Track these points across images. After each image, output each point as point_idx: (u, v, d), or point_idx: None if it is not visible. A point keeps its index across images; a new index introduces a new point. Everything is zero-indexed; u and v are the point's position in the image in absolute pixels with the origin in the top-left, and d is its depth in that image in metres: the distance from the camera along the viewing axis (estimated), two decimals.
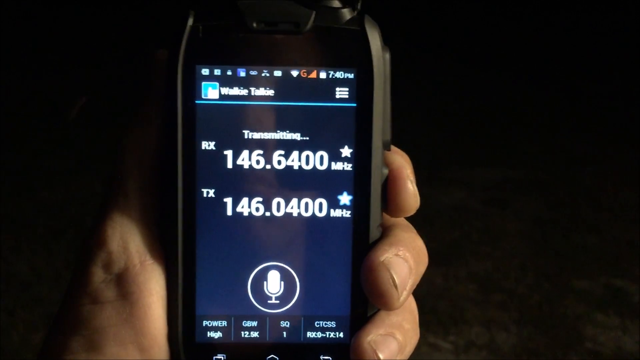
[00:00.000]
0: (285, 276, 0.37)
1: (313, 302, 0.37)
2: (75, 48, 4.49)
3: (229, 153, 0.36)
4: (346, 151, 0.36)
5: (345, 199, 0.37)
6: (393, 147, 0.37)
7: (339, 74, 0.36)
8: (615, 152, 3.20)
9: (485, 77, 4.18)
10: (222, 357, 0.37)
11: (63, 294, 0.37)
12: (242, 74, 0.36)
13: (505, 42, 4.81)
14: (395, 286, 0.35)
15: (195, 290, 0.36)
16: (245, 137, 0.36)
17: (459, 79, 4.17)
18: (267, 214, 0.37)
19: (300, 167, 0.36)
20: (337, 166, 0.36)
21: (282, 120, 0.36)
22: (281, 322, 0.37)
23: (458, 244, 2.38)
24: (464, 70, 4.31)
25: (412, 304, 0.38)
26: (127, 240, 0.35)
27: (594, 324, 2.03)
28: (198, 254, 0.36)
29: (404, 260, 0.36)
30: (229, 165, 0.36)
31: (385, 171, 0.37)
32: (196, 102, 0.36)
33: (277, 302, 0.37)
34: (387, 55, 0.36)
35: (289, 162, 0.36)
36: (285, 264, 0.37)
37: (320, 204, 0.37)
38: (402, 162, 0.37)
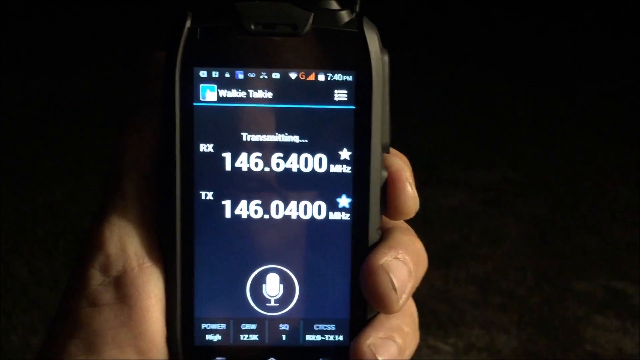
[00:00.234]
0: (284, 279, 0.37)
1: (312, 305, 0.37)
2: (75, 50, 4.49)
3: (227, 155, 0.36)
4: (345, 154, 0.36)
5: (344, 201, 0.37)
6: (392, 150, 0.37)
7: (337, 77, 0.36)
8: (616, 153, 3.20)
9: (485, 78, 4.19)
10: None
11: (59, 301, 0.37)
12: (240, 76, 0.36)
13: (505, 43, 4.81)
14: (395, 289, 0.35)
15: (193, 292, 0.36)
16: (244, 139, 0.36)
17: (458, 79, 4.17)
18: (266, 216, 0.36)
19: (298, 169, 0.36)
20: (336, 169, 0.36)
21: (281, 123, 0.36)
22: (280, 325, 0.37)
23: (457, 246, 2.38)
24: (463, 71, 4.31)
25: (411, 307, 0.38)
26: (125, 243, 0.35)
27: (594, 326, 2.03)
28: (196, 257, 0.36)
29: (403, 263, 0.36)
30: (227, 167, 0.36)
31: (385, 174, 0.37)
32: (194, 104, 0.36)
33: (276, 305, 0.37)
34: (386, 58, 0.36)
35: (288, 165, 0.36)
36: (284, 267, 0.37)
37: (319, 207, 0.37)
38: (401, 165, 0.37)
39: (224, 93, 0.36)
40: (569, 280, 2.23)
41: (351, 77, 0.36)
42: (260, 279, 0.37)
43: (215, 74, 0.36)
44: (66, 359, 0.35)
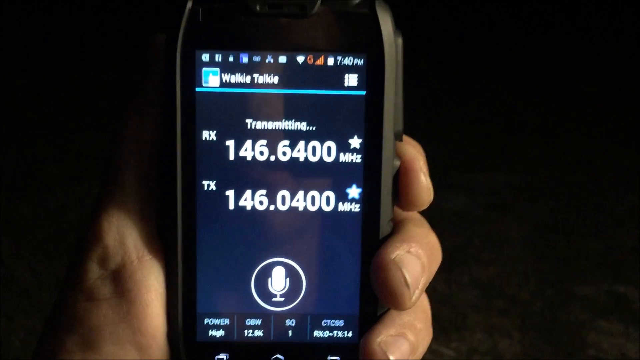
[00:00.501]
0: (290, 273, 0.35)
1: (320, 300, 0.36)
2: (79, 52, 4.48)
3: (231, 144, 0.34)
4: (355, 142, 0.35)
5: (354, 192, 0.35)
6: (405, 137, 0.36)
7: (347, 60, 0.34)
8: (619, 157, 3.19)
9: (488, 82, 4.18)
10: (225, 357, 0.35)
11: (58, 291, 0.35)
12: (245, 59, 0.34)
13: (509, 47, 4.81)
14: (407, 285, 0.34)
15: (196, 287, 0.35)
16: (248, 126, 0.34)
17: (461, 83, 4.17)
18: (272, 207, 0.35)
19: (306, 158, 0.35)
20: (346, 158, 0.35)
21: (288, 109, 0.34)
22: (286, 321, 0.36)
23: (460, 250, 2.37)
24: (467, 75, 4.31)
25: (424, 302, 0.36)
26: (124, 235, 0.34)
27: (597, 331, 2.01)
28: (199, 250, 0.35)
29: (416, 258, 0.34)
30: (231, 156, 0.35)
31: (397, 163, 0.35)
32: (196, 89, 0.34)
33: (282, 299, 0.36)
34: (400, 40, 0.34)
35: (295, 154, 0.35)
36: (291, 260, 0.35)
37: (328, 198, 0.35)
38: (414, 154, 0.35)
39: (227, 78, 0.34)
40: (572, 285, 2.22)
41: (362, 60, 0.34)
42: (266, 273, 0.35)
43: (218, 58, 0.34)
44: (63, 356, 0.33)
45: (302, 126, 0.35)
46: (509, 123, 3.59)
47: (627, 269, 2.30)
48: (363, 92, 0.34)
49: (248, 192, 0.35)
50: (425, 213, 0.38)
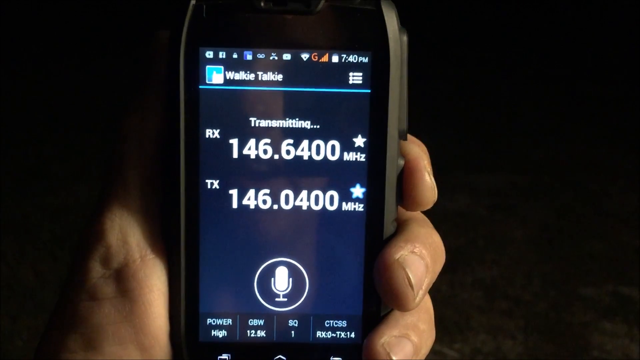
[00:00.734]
0: (293, 273, 0.35)
1: (323, 300, 0.35)
2: (82, 52, 4.48)
3: (234, 142, 0.34)
4: (359, 140, 0.34)
5: (358, 191, 0.35)
6: (409, 137, 0.35)
7: (352, 58, 0.34)
8: (623, 157, 3.19)
9: (492, 82, 4.18)
10: (227, 357, 0.35)
11: (61, 290, 0.35)
12: (249, 57, 0.34)
13: (511, 47, 4.80)
14: (411, 286, 0.33)
15: (198, 286, 0.35)
16: (252, 125, 0.34)
17: (464, 83, 4.16)
18: (275, 206, 0.35)
19: (310, 157, 0.34)
20: (350, 156, 0.34)
21: (291, 107, 0.34)
22: (289, 321, 0.35)
23: (463, 251, 2.36)
24: (470, 74, 4.30)
25: (427, 302, 0.36)
26: (126, 234, 0.33)
27: (601, 332, 2.01)
28: (202, 249, 0.35)
29: (420, 258, 0.34)
30: (235, 155, 0.34)
31: (401, 162, 0.35)
32: (199, 87, 0.34)
33: (285, 300, 0.35)
34: (405, 38, 0.34)
35: (299, 152, 0.34)
36: (294, 260, 0.35)
37: (332, 197, 0.35)
38: (419, 153, 0.35)
39: (231, 75, 0.34)
40: (575, 286, 2.22)
41: (367, 58, 0.34)
42: (269, 273, 0.35)
43: (222, 55, 0.34)
44: (65, 355, 0.33)
45: (306, 124, 0.34)
46: (513, 123, 3.58)
47: (631, 270, 2.30)
48: (368, 91, 0.34)
49: (251, 191, 0.35)
50: (428, 213, 0.38)
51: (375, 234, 0.35)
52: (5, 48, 4.35)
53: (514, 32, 5.15)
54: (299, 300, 0.35)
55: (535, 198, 2.79)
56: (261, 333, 0.35)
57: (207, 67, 0.34)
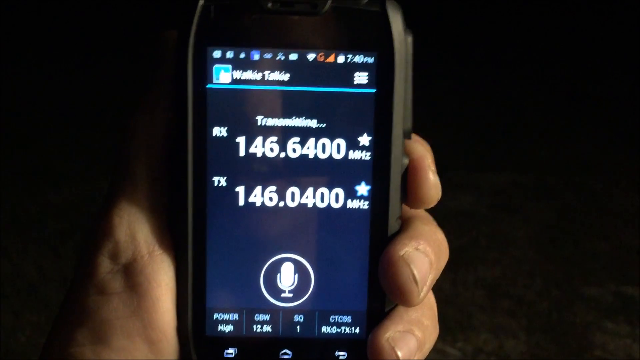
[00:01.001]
0: (299, 269, 0.36)
1: (328, 296, 0.36)
2: (85, 47, 4.48)
3: (241, 140, 0.35)
4: (365, 139, 0.35)
5: (363, 189, 0.35)
6: (414, 136, 0.36)
7: (358, 58, 0.34)
8: (626, 157, 3.18)
9: (494, 81, 4.17)
10: (233, 352, 0.36)
11: (69, 285, 0.36)
12: (256, 56, 0.34)
13: (515, 46, 4.80)
14: (416, 282, 0.34)
15: (205, 282, 0.35)
16: (259, 123, 0.35)
17: (467, 82, 4.16)
18: (281, 204, 0.35)
19: (316, 155, 0.35)
20: (355, 155, 0.35)
21: (298, 106, 0.35)
22: (295, 316, 0.36)
23: (466, 250, 2.36)
24: (472, 73, 4.30)
25: (431, 298, 0.36)
26: (134, 230, 0.34)
27: (604, 332, 2.01)
28: (209, 245, 0.35)
29: (424, 255, 0.35)
30: (242, 153, 0.35)
31: (406, 161, 0.35)
32: (207, 86, 0.34)
33: (291, 295, 0.36)
34: (410, 39, 0.34)
35: (305, 151, 0.35)
36: (300, 256, 0.36)
37: (337, 195, 0.35)
38: (423, 152, 0.36)
39: (238, 74, 0.34)
40: (578, 286, 2.22)
41: (372, 58, 0.34)
42: (275, 269, 0.36)
43: (229, 55, 0.34)
44: (73, 349, 0.34)
45: (312, 123, 0.35)
46: (516, 123, 3.58)
47: (634, 270, 2.30)
48: (373, 90, 0.34)
49: (258, 189, 0.35)
50: (431, 212, 0.38)
51: (380, 231, 0.35)
52: (9, 45, 4.36)
53: (518, 31, 5.14)
54: (305, 295, 0.36)
55: (538, 197, 2.79)
56: (267, 328, 0.36)
57: (215, 66, 0.34)
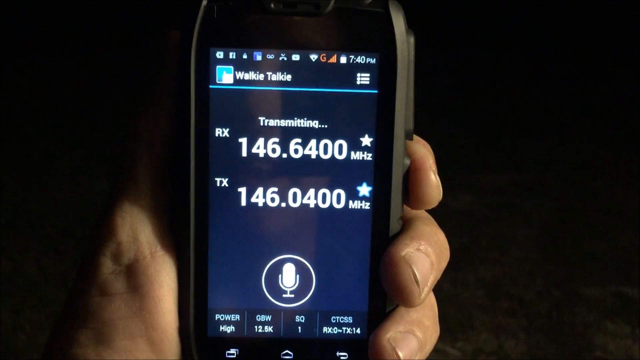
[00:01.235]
0: (300, 269, 0.36)
1: (329, 296, 0.36)
2: (86, 45, 4.48)
3: (243, 141, 0.35)
4: (366, 140, 0.35)
5: (364, 190, 0.35)
6: (415, 137, 0.36)
7: (360, 59, 0.34)
8: (626, 157, 3.18)
9: (495, 81, 4.17)
10: (235, 352, 0.36)
11: (69, 290, 0.36)
12: (259, 57, 0.34)
13: (515, 46, 4.80)
14: (417, 282, 0.34)
15: (207, 282, 0.35)
16: (261, 124, 0.35)
17: (467, 82, 4.16)
18: (283, 204, 0.35)
19: (318, 156, 0.35)
20: (357, 156, 0.35)
21: (300, 107, 0.35)
22: (296, 317, 0.36)
23: (466, 250, 2.36)
24: (473, 73, 4.30)
25: (432, 299, 0.37)
26: (137, 230, 0.34)
27: (604, 332, 2.01)
28: (211, 246, 0.35)
29: (425, 255, 0.35)
30: (244, 153, 0.35)
31: (407, 161, 0.35)
32: (210, 86, 0.34)
33: (292, 296, 0.36)
34: (412, 40, 0.34)
35: (307, 151, 0.35)
36: (301, 257, 0.36)
37: (339, 195, 0.35)
38: (424, 152, 0.36)
39: (241, 75, 0.34)
40: (578, 286, 2.22)
41: (375, 59, 0.34)
42: (277, 270, 0.36)
43: (232, 55, 0.34)
44: (76, 349, 0.34)
45: (314, 124, 0.35)
46: (516, 122, 3.58)
47: (635, 271, 2.30)
48: (375, 91, 0.35)
49: (260, 189, 0.35)
50: (431, 212, 0.38)
51: (381, 232, 0.35)
52: (11, 42, 4.36)
53: (518, 31, 5.14)
54: (306, 296, 0.36)
55: (538, 197, 2.79)
56: (268, 328, 0.36)
57: (218, 67, 0.34)
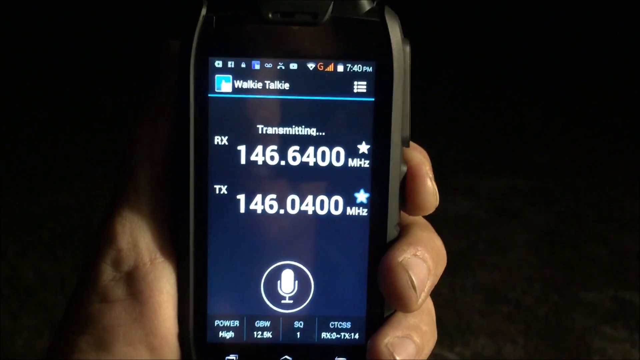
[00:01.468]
0: (299, 275, 0.36)
1: (328, 302, 0.36)
2: (84, 49, 4.49)
3: (242, 148, 0.35)
4: (363, 147, 0.35)
5: (362, 196, 0.36)
6: (412, 144, 0.37)
7: (357, 67, 0.35)
8: (625, 162, 3.19)
9: (493, 85, 4.18)
10: (234, 358, 0.36)
11: (69, 297, 0.36)
12: (257, 66, 0.35)
13: (513, 50, 4.80)
14: (414, 287, 0.34)
15: (207, 289, 0.36)
16: (259, 132, 0.35)
17: (466, 87, 4.17)
18: (281, 211, 0.36)
19: (315, 163, 0.35)
20: (354, 163, 0.35)
21: (298, 115, 0.35)
22: (295, 323, 0.36)
23: (464, 254, 2.36)
24: (472, 78, 4.31)
25: (429, 304, 0.37)
26: (137, 237, 0.34)
27: (602, 337, 2.01)
28: (210, 252, 0.35)
29: (422, 261, 0.35)
30: (242, 161, 0.35)
31: (404, 168, 0.36)
32: (209, 95, 0.35)
33: (291, 301, 0.36)
34: (408, 48, 0.35)
35: (304, 159, 0.35)
36: (300, 263, 0.36)
37: (336, 202, 0.36)
38: (421, 159, 0.36)
39: (239, 84, 0.35)
40: (576, 291, 2.22)
41: (371, 67, 0.35)
42: (275, 276, 0.36)
43: (231, 64, 0.35)
44: (76, 356, 0.34)
45: (312, 132, 0.35)
46: (515, 127, 3.59)
47: (633, 275, 2.30)
48: (372, 99, 0.35)
49: (258, 196, 0.36)
50: (429, 217, 0.39)
51: (378, 238, 0.36)
52: (9, 46, 4.36)
53: (516, 35, 5.15)
54: (305, 302, 0.36)
55: (536, 202, 2.79)
56: (267, 334, 0.36)
57: (217, 76, 0.35)
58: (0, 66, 4.01)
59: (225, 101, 0.35)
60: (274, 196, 0.36)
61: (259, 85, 0.35)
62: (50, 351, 0.35)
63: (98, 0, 5.35)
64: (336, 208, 0.36)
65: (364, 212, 0.36)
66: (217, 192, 0.35)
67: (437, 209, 0.37)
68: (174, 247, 0.35)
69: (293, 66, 0.35)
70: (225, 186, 0.35)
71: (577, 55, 4.80)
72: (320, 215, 0.36)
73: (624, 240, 2.52)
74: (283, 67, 0.35)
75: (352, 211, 0.36)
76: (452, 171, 2.89)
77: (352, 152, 0.35)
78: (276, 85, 0.35)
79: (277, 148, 0.35)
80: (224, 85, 0.35)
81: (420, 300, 0.35)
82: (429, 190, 0.36)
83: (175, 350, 0.35)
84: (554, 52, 4.84)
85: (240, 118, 0.35)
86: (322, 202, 0.36)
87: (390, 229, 0.36)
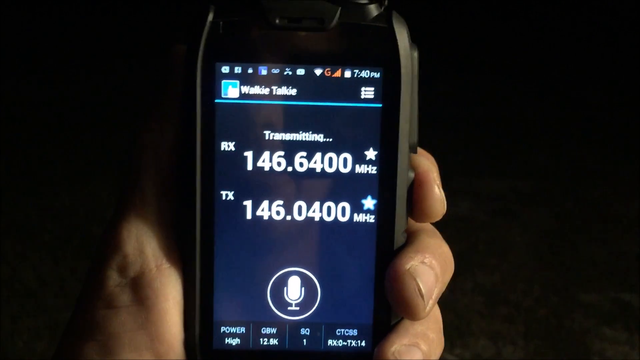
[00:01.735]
0: (306, 282, 0.36)
1: (334, 309, 0.36)
2: (84, 51, 4.48)
3: (249, 154, 0.35)
4: (371, 153, 0.35)
5: (369, 203, 0.36)
6: (419, 150, 0.37)
7: (364, 73, 0.35)
8: (624, 163, 3.19)
9: (494, 88, 4.18)
10: None
11: (68, 302, 0.36)
12: (264, 72, 0.35)
13: (513, 52, 4.81)
14: (422, 295, 0.34)
15: (213, 295, 0.35)
16: (266, 138, 0.35)
17: (466, 89, 4.17)
18: (288, 217, 0.35)
19: (322, 169, 0.35)
20: (362, 169, 0.35)
21: (305, 121, 0.35)
22: (301, 330, 0.36)
23: (464, 256, 2.36)
24: (472, 80, 4.31)
25: (436, 312, 0.37)
26: (143, 243, 0.34)
27: (602, 339, 2.01)
28: (216, 259, 0.35)
29: (430, 268, 0.35)
30: (249, 167, 0.35)
31: (411, 175, 0.36)
32: (215, 101, 0.35)
33: (298, 308, 0.36)
34: (415, 54, 0.35)
35: (312, 165, 0.35)
36: (306, 270, 0.36)
37: (344, 208, 0.36)
38: (428, 166, 0.36)
39: (246, 89, 0.35)
40: (576, 292, 2.22)
41: (379, 73, 0.35)
42: (282, 282, 0.36)
43: (237, 70, 0.35)
44: None
45: (319, 138, 0.35)
46: (514, 129, 3.59)
47: (632, 277, 2.30)
48: (379, 105, 0.35)
49: (265, 202, 0.35)
50: None
51: (386, 245, 0.36)
52: (9, 50, 4.36)
53: (517, 39, 5.15)
54: (311, 309, 0.36)
55: (536, 204, 2.79)
56: (274, 341, 0.36)
57: (223, 81, 0.35)
58: (2, 69, 4.01)
59: (232, 107, 0.35)
60: (281, 202, 0.35)
61: (266, 91, 0.35)
62: (55, 357, 0.35)
63: (104, 3, 5.35)
64: (343, 214, 0.35)
65: (371, 218, 0.36)
66: (224, 197, 0.35)
67: None
68: (180, 253, 0.35)
69: (300, 72, 0.35)
70: (232, 192, 0.35)
71: (577, 57, 4.80)
72: (327, 221, 0.35)
73: (624, 242, 2.52)
74: (290, 73, 0.35)
75: (359, 218, 0.36)
76: (451, 173, 2.89)
77: (359, 159, 0.35)
78: (283, 91, 0.35)
79: (284, 154, 0.35)
80: (231, 90, 0.35)
81: (427, 308, 0.34)
82: (437, 197, 0.36)
83: (181, 357, 0.34)
84: (555, 54, 4.85)
85: (247, 124, 0.35)
86: (329, 208, 0.35)
87: (398, 236, 0.35)
